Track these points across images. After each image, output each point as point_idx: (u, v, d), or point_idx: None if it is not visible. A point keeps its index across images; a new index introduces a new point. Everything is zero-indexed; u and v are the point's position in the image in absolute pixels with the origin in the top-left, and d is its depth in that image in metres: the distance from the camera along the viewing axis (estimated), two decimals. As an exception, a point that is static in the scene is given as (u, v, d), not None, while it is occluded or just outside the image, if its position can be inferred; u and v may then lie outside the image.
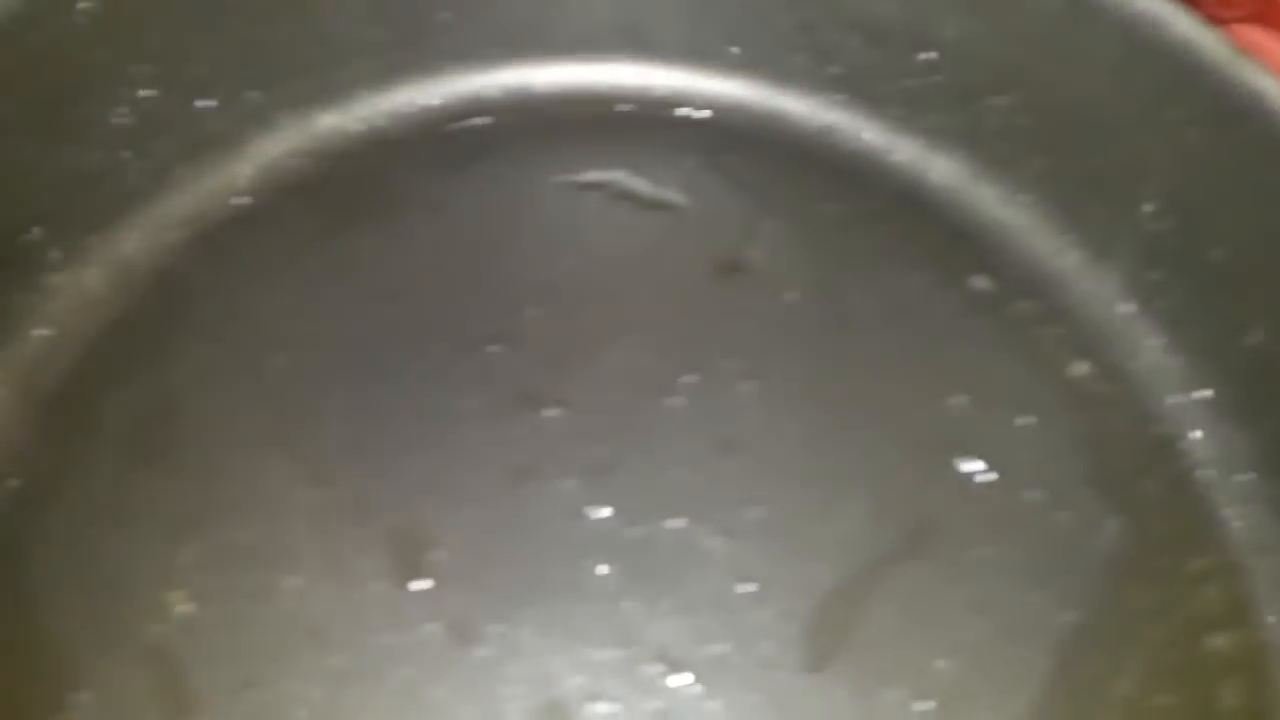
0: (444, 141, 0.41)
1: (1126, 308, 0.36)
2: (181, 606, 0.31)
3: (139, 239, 0.38)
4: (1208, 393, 0.35)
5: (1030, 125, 0.38)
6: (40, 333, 0.36)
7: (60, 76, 0.35)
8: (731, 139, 0.41)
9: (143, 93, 0.37)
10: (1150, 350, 0.36)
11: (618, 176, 0.40)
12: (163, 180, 0.38)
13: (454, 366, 0.36)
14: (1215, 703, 0.30)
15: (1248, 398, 0.34)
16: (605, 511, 0.33)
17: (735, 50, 0.41)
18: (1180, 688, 0.30)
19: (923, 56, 0.39)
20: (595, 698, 0.30)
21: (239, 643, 0.31)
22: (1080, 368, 0.36)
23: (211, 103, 0.38)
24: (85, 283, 0.37)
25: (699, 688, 0.30)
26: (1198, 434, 0.34)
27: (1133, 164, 0.35)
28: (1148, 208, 0.35)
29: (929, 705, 0.30)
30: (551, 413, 0.35)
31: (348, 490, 0.33)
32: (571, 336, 0.36)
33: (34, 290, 0.36)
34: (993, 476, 0.34)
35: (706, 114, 0.42)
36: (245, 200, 0.39)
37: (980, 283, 0.38)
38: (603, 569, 0.32)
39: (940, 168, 0.39)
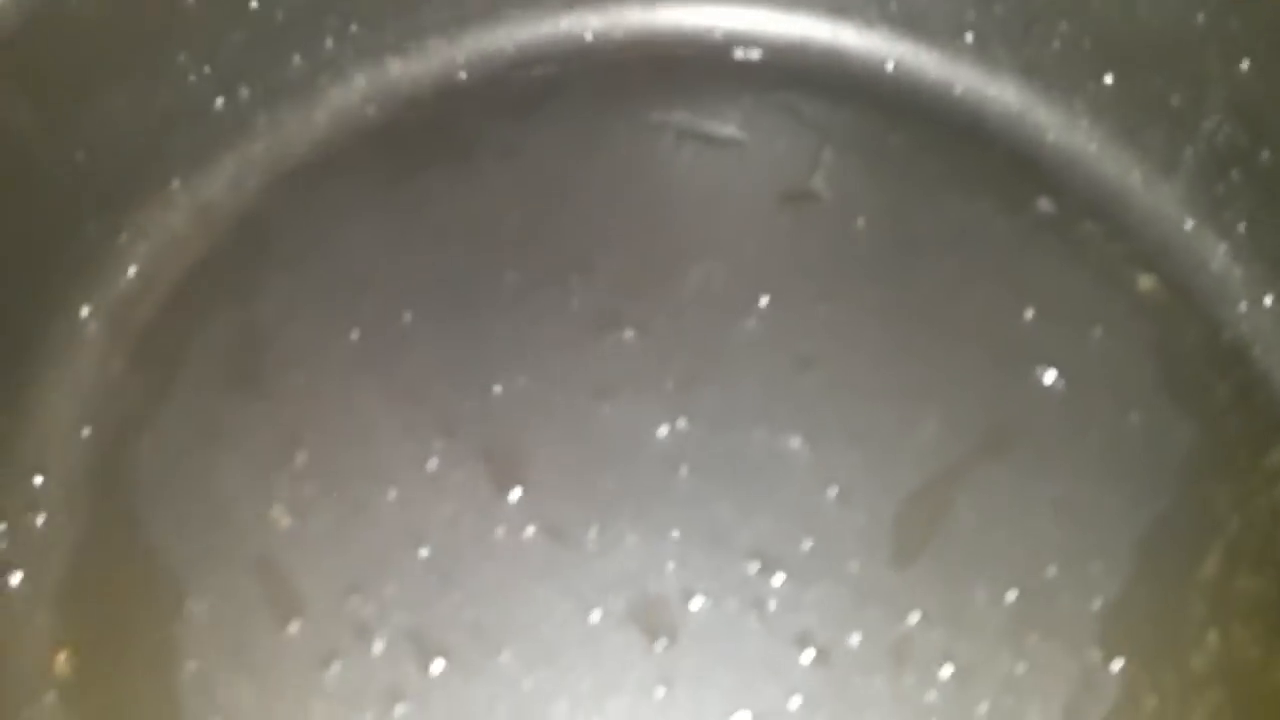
0: (513, 87, 0.42)
1: (1191, 221, 0.37)
2: (284, 520, 0.32)
3: (222, 182, 0.39)
4: (1271, 299, 0.36)
5: (1089, 49, 0.38)
6: (130, 271, 0.37)
7: (154, 22, 0.36)
8: (789, 78, 0.42)
9: (229, 39, 0.38)
10: (1216, 261, 0.37)
11: (681, 116, 0.41)
12: (244, 126, 0.39)
13: (533, 295, 0.37)
14: (1297, 585, 0.31)
15: (1315, 300, 0.35)
16: (684, 423, 0.34)
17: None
18: (1261, 571, 0.31)
19: (980, -13, 0.40)
20: (691, 593, 0.31)
21: (342, 552, 0.32)
22: (1147, 281, 0.37)
23: (292, 51, 0.39)
24: (171, 224, 0.38)
25: (792, 583, 0.31)
26: (1266, 339, 0.35)
27: (1193, 80, 0.36)
28: (1209, 122, 0.36)
29: (1014, 597, 0.31)
30: (629, 335, 0.36)
31: (439, 409, 0.34)
32: (645, 265, 0.37)
33: (123, 231, 0.37)
34: (1066, 384, 0.35)
35: (761, 54, 0.43)
36: (322, 145, 0.40)
37: (1045, 205, 0.38)
38: (685, 471, 0.33)
39: (1001, 96, 0.40)
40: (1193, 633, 0.30)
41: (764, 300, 0.36)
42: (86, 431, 0.34)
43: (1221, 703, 0.29)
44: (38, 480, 0.33)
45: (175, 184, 0.38)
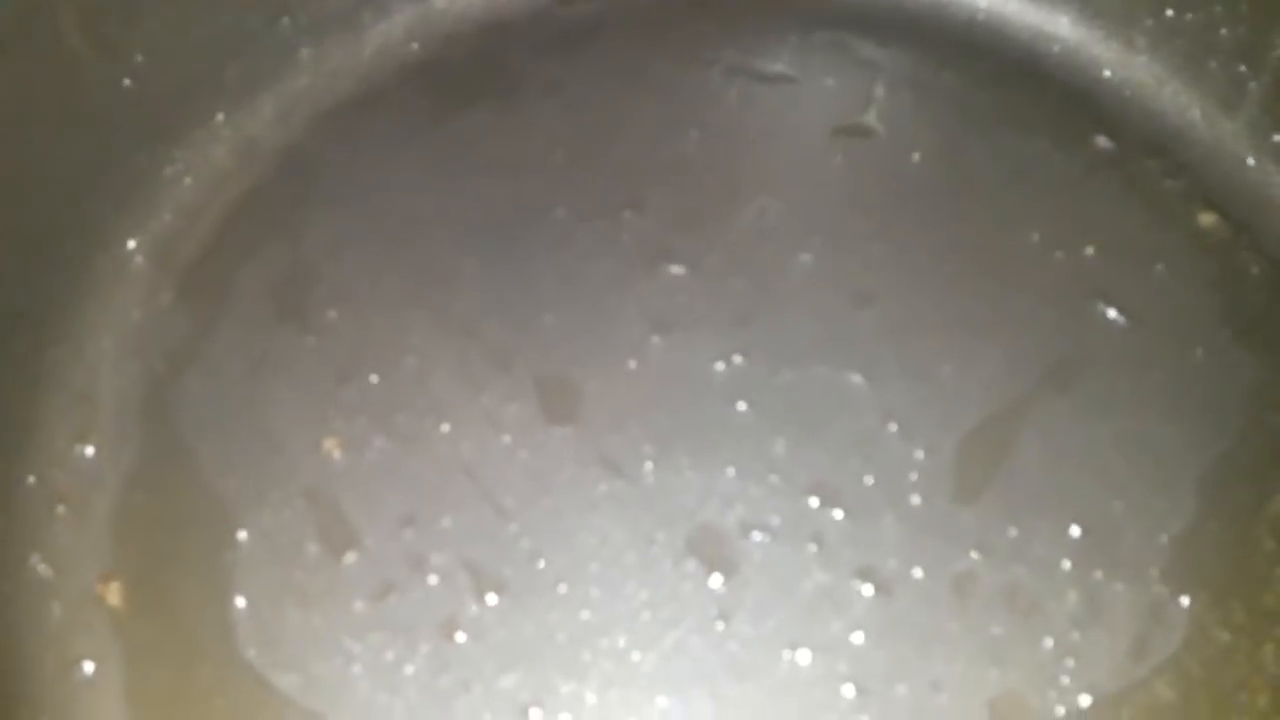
0: (558, 24, 0.41)
1: (1253, 158, 0.36)
2: (336, 453, 0.32)
3: (267, 117, 0.38)
4: (1337, 237, 0.35)
5: (1149, -18, 0.38)
6: (176, 204, 0.37)
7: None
8: (838, 14, 0.41)
9: (274, -32, 0.37)
10: (1277, 197, 0.36)
11: (729, 54, 0.40)
12: (288, 61, 0.39)
13: (583, 231, 0.36)
14: (1369, 519, 0.30)
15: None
16: (740, 360, 0.33)
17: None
18: (1332, 507, 0.31)
19: (1037, -80, 0.39)
20: (750, 528, 0.30)
21: (395, 484, 0.31)
22: (1208, 218, 0.36)
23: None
24: (217, 157, 0.37)
25: (851, 519, 0.31)
26: (1332, 276, 0.35)
27: (1258, 9, 0.35)
28: (1275, 55, 0.35)
29: (1078, 532, 0.30)
30: (682, 270, 0.35)
31: (492, 343, 0.34)
32: (697, 202, 0.37)
33: (169, 164, 0.37)
34: (1127, 320, 0.34)
35: (809, -8, 0.42)
36: (366, 81, 0.40)
37: (1102, 142, 0.38)
38: (743, 406, 0.32)
39: (1056, 32, 0.39)
40: (1262, 568, 0.30)
41: (819, 237, 0.36)
42: (135, 363, 0.34)
43: (1293, 638, 0.29)
44: (88, 409, 0.33)
45: (220, 117, 0.38)
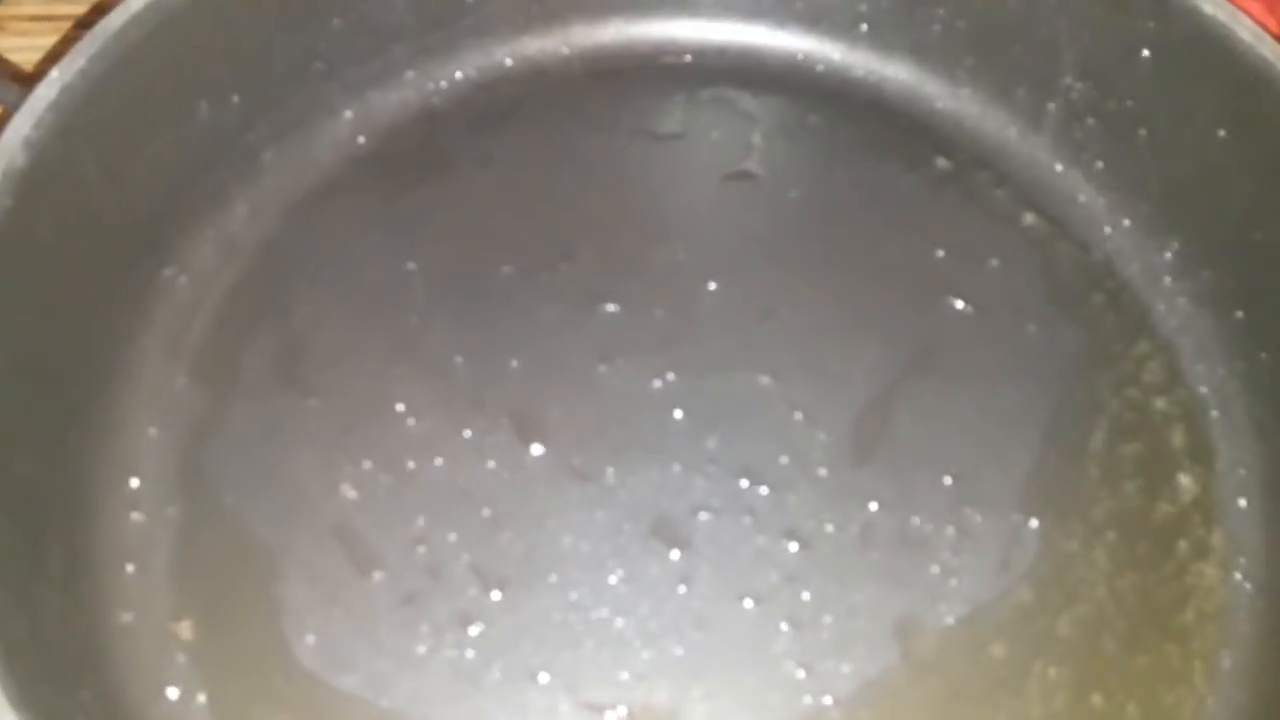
0: (481, 106, 0.48)
1: (1059, 165, 0.45)
2: (351, 493, 0.39)
3: (241, 216, 0.45)
4: (1128, 221, 0.44)
5: (963, 29, 0.46)
6: (176, 302, 0.43)
7: (182, 76, 0.41)
8: (716, 75, 0.49)
9: (238, 88, 0.43)
10: (1083, 195, 0.45)
11: (628, 117, 0.48)
12: (253, 166, 0.45)
13: (529, 283, 0.43)
14: (1166, 444, 0.39)
15: (1161, 218, 0.43)
16: (672, 376, 0.41)
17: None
18: (1139, 438, 0.39)
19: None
20: (696, 509, 0.38)
21: (404, 512, 0.38)
22: (1030, 217, 0.45)
23: (288, 94, 0.45)
24: (204, 258, 0.44)
25: (775, 492, 0.38)
26: (1126, 254, 0.43)
27: (1048, 48, 0.44)
28: (1064, 81, 0.44)
29: (950, 480, 0.39)
30: (614, 308, 0.43)
31: (467, 386, 0.41)
32: (619, 248, 0.44)
33: (167, 266, 0.43)
34: (974, 308, 0.42)
35: (690, 58, 0.50)
36: (323, 174, 0.46)
37: (941, 163, 0.46)
38: (679, 414, 0.40)
39: (896, 75, 0.48)
40: (1090, 491, 0.38)
41: (722, 268, 0.43)
42: (166, 439, 0.40)
43: (1116, 541, 0.37)
44: (134, 482, 0.39)
45: (203, 221, 0.44)
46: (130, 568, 0.37)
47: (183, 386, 0.41)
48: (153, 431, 0.40)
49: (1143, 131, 0.43)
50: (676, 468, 0.39)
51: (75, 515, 0.38)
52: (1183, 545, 0.37)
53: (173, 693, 0.35)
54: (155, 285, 0.42)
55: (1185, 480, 0.39)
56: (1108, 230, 0.44)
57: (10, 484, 0.35)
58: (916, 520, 0.38)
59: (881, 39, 0.48)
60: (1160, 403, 0.40)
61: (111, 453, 0.39)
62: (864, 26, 0.48)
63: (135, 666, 0.36)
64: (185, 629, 0.37)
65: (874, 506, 0.38)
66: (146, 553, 0.38)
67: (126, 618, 0.36)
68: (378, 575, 0.37)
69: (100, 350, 0.40)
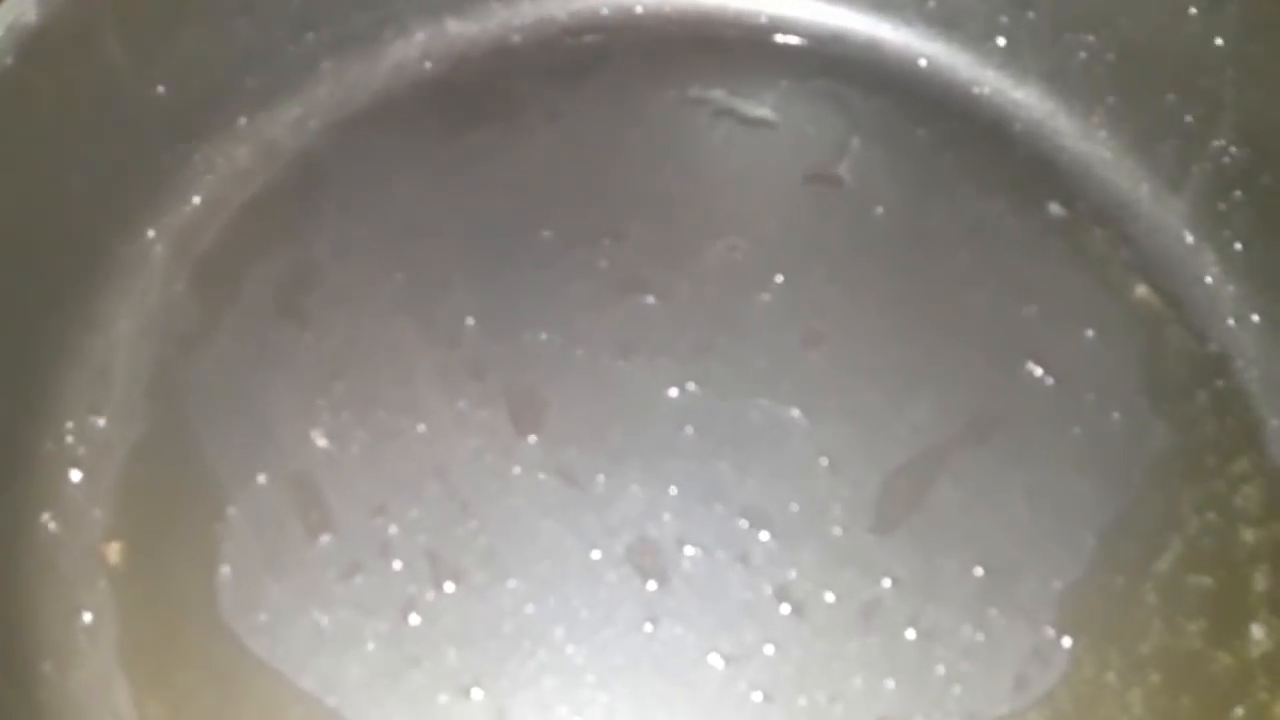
0: (563, 54, 0.44)
1: (1191, 236, 0.39)
2: (321, 442, 0.36)
3: (286, 123, 0.42)
4: (1257, 318, 0.38)
5: (1112, 63, 0.40)
6: (195, 200, 0.40)
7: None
8: (826, 66, 0.44)
9: (296, -3, 0.40)
10: (1210, 275, 0.39)
11: (719, 94, 0.43)
12: (310, 72, 0.42)
13: (566, 255, 0.39)
14: (1245, 586, 0.33)
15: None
16: (693, 387, 0.37)
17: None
18: (1215, 571, 0.34)
19: (1017, -6, 0.42)
20: (685, 542, 0.34)
21: (372, 475, 0.35)
22: (1143, 290, 0.39)
23: (359, 3, 0.42)
24: (236, 158, 0.41)
25: (777, 541, 0.34)
26: (1247, 354, 0.37)
27: (1206, 101, 0.38)
28: (1217, 143, 0.38)
29: (981, 572, 0.34)
30: (651, 300, 0.38)
31: (470, 353, 0.37)
32: (672, 235, 0.40)
33: (191, 162, 0.40)
34: (1054, 380, 0.37)
35: (803, 41, 0.45)
36: (381, 96, 0.43)
37: (1055, 209, 0.40)
38: (690, 431, 0.35)
39: (1026, 100, 0.42)
40: (1142, 619, 0.33)
41: (780, 277, 0.39)
42: (148, 345, 0.37)
43: (1160, 685, 0.32)
44: (103, 385, 0.36)
45: (242, 121, 0.41)
46: (75, 474, 0.35)
47: (178, 293, 0.38)
48: (135, 334, 0.37)
49: (1297, 218, 0.36)
50: (673, 490, 0.35)
51: (34, 404, 0.35)
52: (1240, 712, 0.32)
53: (86, 617, 0.33)
54: (174, 179, 0.40)
55: (1259, 633, 0.33)
56: (1231, 323, 0.38)
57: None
58: (931, 609, 0.33)
59: (1017, 58, 0.42)
60: (1249, 535, 0.34)
61: (86, 348, 0.37)
62: (1000, 40, 0.42)
63: (52, 580, 0.33)
64: (114, 551, 0.34)
65: (886, 583, 0.33)
66: (96, 460, 0.35)
67: (54, 526, 0.34)
68: (325, 539, 0.34)
69: (97, 237, 0.37)
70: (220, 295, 0.38)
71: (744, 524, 0.34)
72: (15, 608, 0.32)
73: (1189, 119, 0.39)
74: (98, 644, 0.32)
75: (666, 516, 0.34)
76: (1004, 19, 0.42)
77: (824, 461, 0.35)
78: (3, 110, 0.32)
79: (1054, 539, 0.34)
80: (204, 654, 0.32)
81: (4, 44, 0.32)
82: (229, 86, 0.40)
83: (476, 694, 0.32)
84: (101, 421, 0.36)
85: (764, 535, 0.34)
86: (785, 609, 0.33)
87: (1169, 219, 0.40)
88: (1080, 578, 0.33)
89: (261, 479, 0.35)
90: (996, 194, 0.41)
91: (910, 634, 0.33)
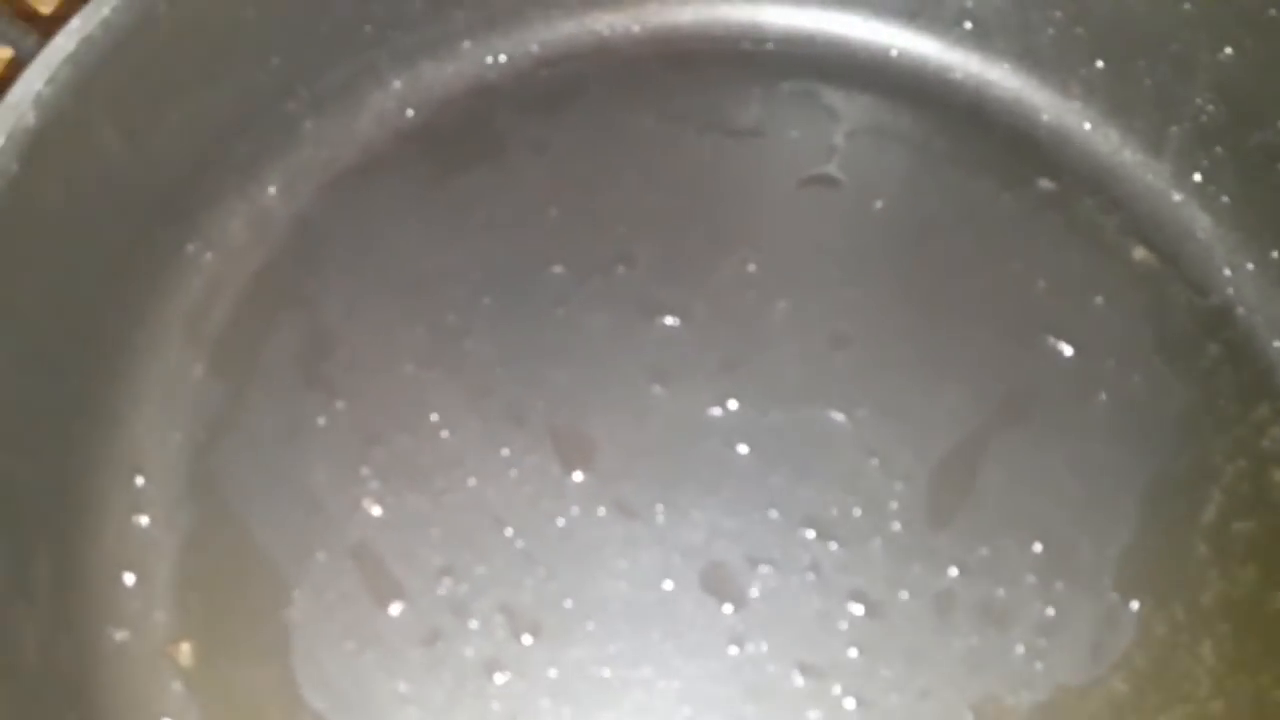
0: (541, 85, 0.44)
1: (1178, 195, 0.41)
2: (374, 510, 0.35)
3: (274, 190, 0.41)
4: (1252, 265, 0.39)
5: (1081, 36, 0.41)
6: (199, 280, 0.39)
7: (212, 37, 0.38)
8: (799, 68, 0.45)
9: (277, 50, 0.39)
10: (1202, 231, 0.40)
11: (700, 109, 0.44)
12: (292, 135, 0.41)
13: (581, 287, 0.39)
14: (1287, 525, 0.35)
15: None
16: (734, 404, 0.37)
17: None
18: (1256, 515, 0.35)
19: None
20: (754, 560, 0.34)
21: (432, 537, 0.35)
22: (1140, 252, 0.40)
23: (334, 59, 0.41)
24: (231, 233, 0.40)
25: (843, 548, 0.34)
26: (1248, 301, 0.39)
27: (1179, 64, 0.39)
28: (1194, 103, 0.40)
29: (1040, 548, 0.35)
30: (674, 322, 0.39)
31: (507, 398, 0.37)
32: (682, 255, 0.40)
33: (190, 242, 0.39)
34: (1073, 350, 0.38)
35: (774, 46, 0.45)
36: (365, 149, 0.42)
37: (1044, 184, 0.42)
38: (743, 449, 0.36)
39: (1001, 82, 0.43)
40: (1198, 572, 0.34)
41: (795, 284, 0.39)
42: (177, 435, 0.36)
43: (1226, 633, 0.33)
44: (139, 481, 0.35)
45: (232, 193, 0.40)
46: (129, 578, 0.34)
47: (199, 377, 0.37)
48: (163, 426, 0.36)
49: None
50: (733, 509, 0.35)
51: (71, 516, 0.34)
52: (1304, 647, 0.33)
53: (166, 723, 0.32)
54: (177, 262, 0.39)
55: (1308, 569, 0.34)
56: (1228, 273, 0.40)
57: None
58: (1000, 592, 0.34)
59: (987, 39, 0.43)
60: (1280, 476, 0.36)
61: (117, 447, 0.36)
62: (968, 24, 0.43)
63: (127, 693, 0.32)
64: (184, 653, 0.33)
65: (953, 572, 0.34)
66: (148, 562, 0.34)
67: (120, 636, 0.33)
68: (397, 608, 0.34)
69: (111, 333, 0.36)
70: (241, 373, 0.38)
71: (810, 534, 0.35)
72: (95, 725, 0.32)
73: (1164, 83, 0.40)
74: (183, 749, 0.32)
75: (732, 537, 0.35)
76: (969, 3, 0.43)
77: (874, 462, 0.36)
78: (13, 219, 0.31)
79: (1101, 506, 0.35)
80: (295, 742, 0.32)
81: (7, 152, 0.31)
82: (216, 160, 0.39)
83: (575, 740, 0.32)
84: (145, 521, 0.35)
85: (831, 544, 0.34)
86: (861, 611, 0.34)
87: (1155, 181, 0.41)
88: (1133, 541, 0.35)
89: (320, 556, 0.34)
90: (985, 175, 0.42)
91: (985, 619, 0.33)
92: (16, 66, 0.34)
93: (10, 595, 0.30)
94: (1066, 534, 0.35)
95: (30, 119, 0.32)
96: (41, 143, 0.32)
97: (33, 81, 0.32)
